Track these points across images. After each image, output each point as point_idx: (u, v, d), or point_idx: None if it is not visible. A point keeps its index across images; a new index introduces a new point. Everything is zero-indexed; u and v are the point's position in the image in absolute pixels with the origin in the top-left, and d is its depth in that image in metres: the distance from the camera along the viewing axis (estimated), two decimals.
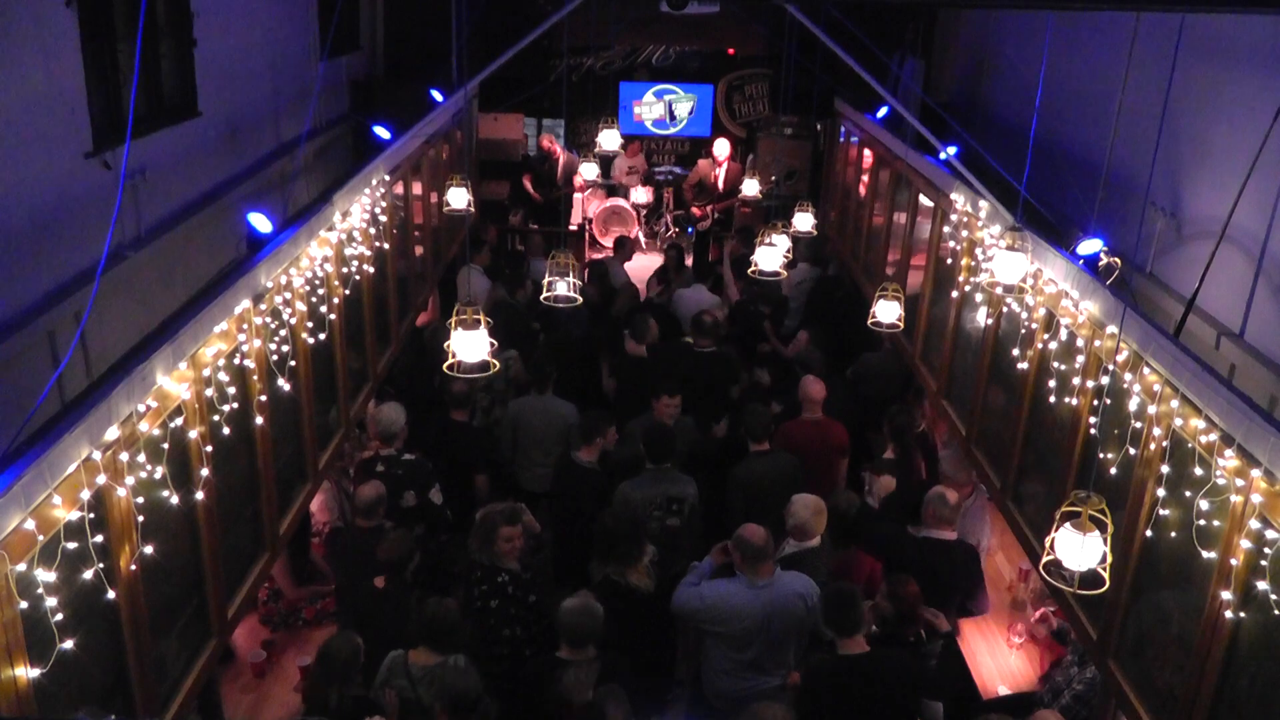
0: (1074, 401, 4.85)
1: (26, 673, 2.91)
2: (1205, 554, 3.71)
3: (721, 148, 13.35)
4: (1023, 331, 5.48)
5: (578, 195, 13.60)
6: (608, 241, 12.82)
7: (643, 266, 11.59)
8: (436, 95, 9.69)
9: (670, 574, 5.92)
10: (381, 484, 5.98)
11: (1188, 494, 3.84)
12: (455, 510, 6.56)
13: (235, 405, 4.32)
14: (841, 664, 4.89)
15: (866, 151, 9.96)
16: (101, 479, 3.23)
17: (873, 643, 5.02)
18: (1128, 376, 4.32)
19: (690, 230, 14.27)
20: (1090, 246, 6.01)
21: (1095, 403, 4.60)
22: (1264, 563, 3.43)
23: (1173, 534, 4.01)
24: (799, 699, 5.03)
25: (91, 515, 3.19)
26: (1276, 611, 3.38)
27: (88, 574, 3.21)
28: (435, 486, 6.36)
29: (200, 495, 4.04)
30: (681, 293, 9.63)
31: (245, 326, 4.45)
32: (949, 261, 6.84)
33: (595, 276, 9.64)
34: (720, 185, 13.23)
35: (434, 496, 6.35)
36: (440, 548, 6.19)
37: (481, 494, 6.97)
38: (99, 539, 3.24)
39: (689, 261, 12.30)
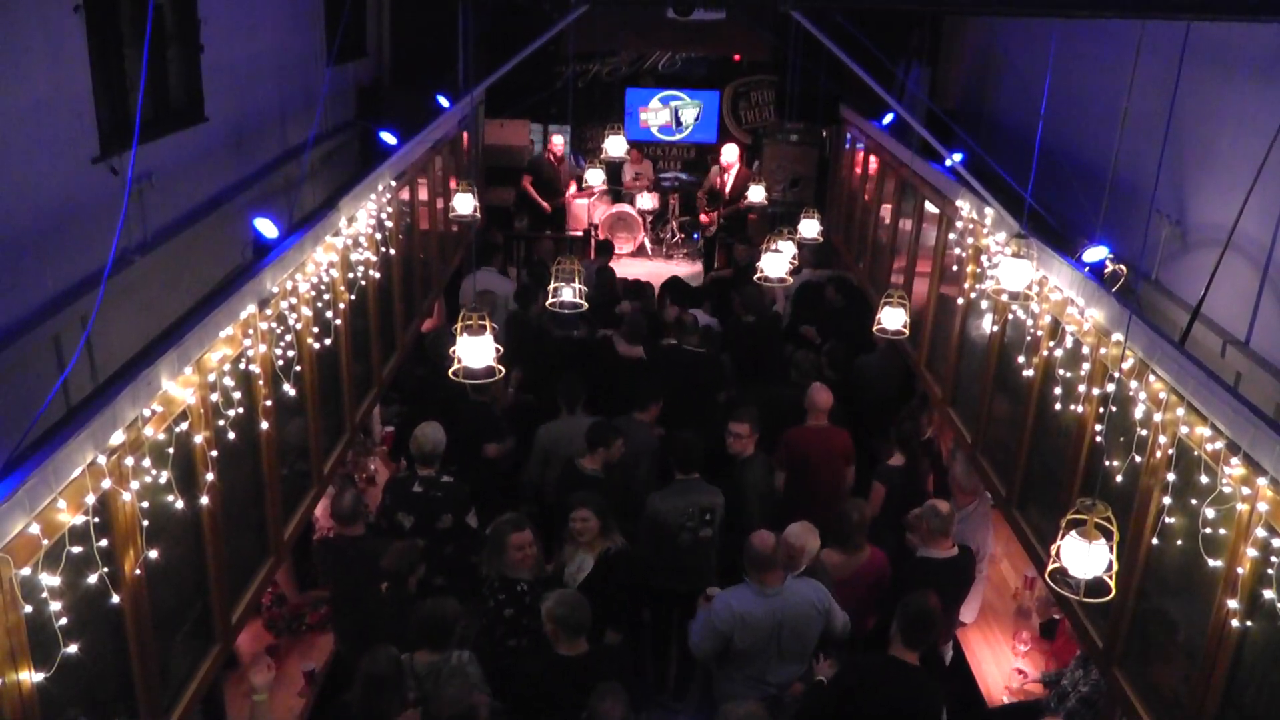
0: (1079, 409, 4.84)
1: (30, 677, 2.91)
2: (1211, 562, 3.70)
3: (729, 153, 13.31)
4: (1028, 339, 5.47)
5: (580, 202, 13.61)
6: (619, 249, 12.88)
7: (648, 272, 11.60)
8: (443, 101, 9.71)
9: (698, 589, 5.94)
10: (358, 493, 6.03)
11: (1193, 502, 3.82)
12: (484, 498, 6.63)
13: (240, 410, 4.32)
14: (891, 665, 4.88)
15: (872, 158, 9.97)
16: (106, 483, 3.23)
17: None
18: (1133, 384, 4.31)
19: (696, 236, 14.27)
20: (1095, 254, 6.01)
21: (1101, 410, 4.58)
22: (1270, 571, 3.42)
23: (1178, 542, 4.00)
24: (829, 688, 5.01)
25: (96, 520, 3.19)
26: None
27: (92, 578, 3.20)
28: (471, 510, 6.35)
29: (205, 500, 4.04)
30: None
31: (251, 332, 4.46)
32: (954, 268, 6.84)
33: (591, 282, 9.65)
34: (727, 191, 13.21)
35: (470, 521, 6.33)
36: (470, 569, 6.09)
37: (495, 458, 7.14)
38: (103, 543, 3.24)
39: (698, 267, 12.27)
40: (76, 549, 3.11)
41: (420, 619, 4.95)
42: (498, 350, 4.71)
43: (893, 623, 4.97)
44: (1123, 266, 5.88)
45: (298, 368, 5.06)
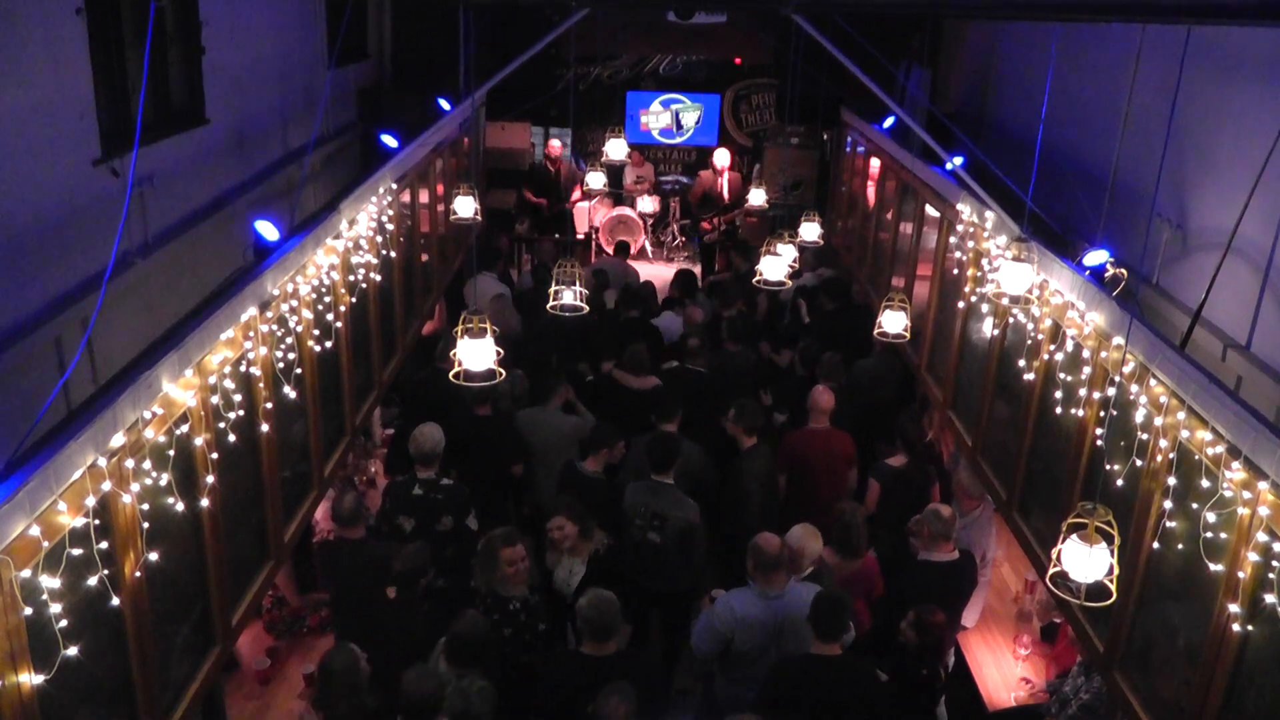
0: (1080, 413, 4.83)
1: (30, 679, 2.91)
2: (1212, 566, 3.69)
3: (722, 157, 13.35)
4: (1029, 342, 5.47)
5: (581, 205, 13.61)
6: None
7: (650, 275, 11.59)
8: (444, 104, 9.72)
9: (654, 591, 5.93)
10: (359, 495, 6.02)
11: (1194, 506, 3.82)
12: (484, 504, 6.60)
13: (241, 413, 4.32)
14: (810, 662, 4.90)
15: (873, 161, 9.97)
16: (107, 486, 3.23)
17: (896, 674, 5.06)
18: (1134, 388, 4.31)
19: (696, 239, 14.29)
20: (1096, 257, 6.01)
21: (1101, 414, 4.58)
22: (1271, 575, 3.41)
23: (1179, 546, 4.00)
24: (762, 695, 5.01)
25: (96, 522, 3.19)
26: None
27: (92, 580, 3.20)
28: (472, 513, 6.34)
29: (205, 502, 4.04)
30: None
31: (252, 334, 4.46)
32: (955, 272, 6.84)
33: (593, 285, 9.63)
34: (725, 196, 13.22)
35: (470, 523, 6.32)
36: (471, 571, 6.10)
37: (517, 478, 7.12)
38: (104, 546, 3.24)
39: (697, 271, 12.27)
40: (77, 551, 3.11)
41: (453, 632, 4.94)
42: (498, 353, 4.72)
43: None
44: (1123, 270, 5.88)
45: (298, 370, 5.06)
